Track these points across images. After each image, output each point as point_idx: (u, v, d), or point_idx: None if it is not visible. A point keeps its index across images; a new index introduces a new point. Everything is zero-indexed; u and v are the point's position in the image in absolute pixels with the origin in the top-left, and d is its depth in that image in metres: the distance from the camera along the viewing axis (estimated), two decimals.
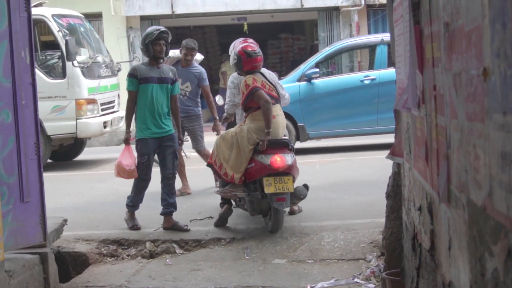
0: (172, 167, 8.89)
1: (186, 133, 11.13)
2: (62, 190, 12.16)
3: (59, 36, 15.00)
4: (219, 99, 10.75)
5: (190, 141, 11.40)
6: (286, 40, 29.32)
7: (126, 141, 8.84)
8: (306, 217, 9.03)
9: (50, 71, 15.22)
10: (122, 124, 16.84)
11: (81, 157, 17.14)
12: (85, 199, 11.18)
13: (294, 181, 8.47)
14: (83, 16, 17.27)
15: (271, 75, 9.02)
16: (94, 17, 21.97)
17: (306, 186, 8.70)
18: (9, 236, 6.45)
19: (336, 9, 22.97)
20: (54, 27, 15.15)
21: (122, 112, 16.73)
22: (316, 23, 24.18)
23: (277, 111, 8.71)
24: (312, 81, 15.25)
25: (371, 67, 16.48)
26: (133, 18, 22.91)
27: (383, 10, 21.45)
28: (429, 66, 3.68)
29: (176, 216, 8.91)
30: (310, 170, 12.96)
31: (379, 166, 11.13)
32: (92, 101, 15.19)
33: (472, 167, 2.72)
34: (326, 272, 7.21)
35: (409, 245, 5.28)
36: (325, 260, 7.60)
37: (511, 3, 2.13)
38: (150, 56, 8.77)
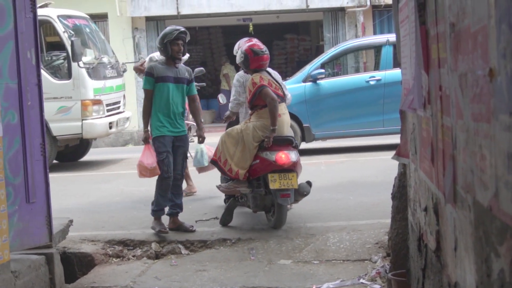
0: (181, 168, 8.89)
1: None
2: (67, 191, 12.17)
3: (64, 37, 15.02)
4: (222, 98, 10.70)
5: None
6: (292, 41, 29.30)
7: (146, 140, 8.75)
8: (311, 217, 9.03)
9: (55, 72, 15.24)
10: (128, 125, 16.89)
11: (86, 157, 17.16)
12: (90, 200, 11.19)
13: (297, 178, 8.57)
14: (88, 17, 17.29)
15: (275, 74, 9.07)
16: (99, 18, 21.99)
17: (309, 183, 8.84)
18: (15, 237, 6.46)
19: (342, 9, 22.95)
20: (59, 28, 15.17)
21: (128, 113, 16.80)
22: (321, 24, 24.17)
23: (283, 110, 8.82)
24: (318, 81, 15.24)
25: (376, 67, 16.47)
26: (139, 19, 22.92)
27: (389, 10, 21.44)
28: (435, 66, 3.68)
29: (181, 217, 8.91)
30: (315, 170, 12.96)
31: (385, 167, 11.13)
32: (97, 102, 15.21)
33: (478, 167, 2.72)
34: (331, 272, 7.20)
35: (415, 246, 5.27)
36: (331, 261, 7.60)
37: None
38: (168, 55, 8.75)
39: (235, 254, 8.04)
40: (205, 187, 11.36)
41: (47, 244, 7.06)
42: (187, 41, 8.90)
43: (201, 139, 9.16)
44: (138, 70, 11.45)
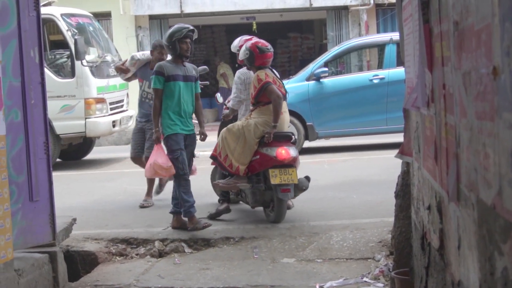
0: (189, 167, 8.89)
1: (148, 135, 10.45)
2: (71, 189, 12.18)
3: (68, 35, 15.02)
4: (219, 98, 10.67)
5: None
6: (295, 40, 29.30)
7: (158, 140, 8.74)
8: (315, 216, 9.02)
9: (59, 71, 15.25)
10: (131, 123, 16.88)
11: (90, 156, 17.16)
12: (94, 198, 11.20)
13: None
14: (92, 15, 17.29)
15: (276, 73, 9.14)
16: (103, 16, 22.00)
17: (307, 178, 9.01)
18: (18, 235, 6.46)
19: (345, 8, 22.94)
20: (63, 26, 15.17)
21: (131, 111, 16.78)
22: (325, 22, 24.17)
23: (284, 108, 8.97)
24: (321, 80, 15.25)
25: (380, 66, 16.47)
26: (142, 17, 22.93)
27: (392, 9, 21.44)
28: (439, 65, 3.67)
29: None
30: (319, 169, 12.96)
31: (388, 165, 11.12)
32: (101, 101, 15.21)
33: (482, 166, 2.72)
34: (335, 271, 7.20)
35: (418, 244, 5.27)
36: (334, 259, 7.59)
37: None
38: (176, 54, 8.73)
39: (238, 252, 8.04)
40: (207, 186, 11.35)
41: (51, 243, 7.07)
42: (194, 39, 8.90)
43: (203, 137, 9.15)
44: (119, 69, 11.06)
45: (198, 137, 9.11)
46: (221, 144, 8.91)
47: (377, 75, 15.36)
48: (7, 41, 6.38)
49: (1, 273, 5.85)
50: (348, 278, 6.90)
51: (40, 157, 6.85)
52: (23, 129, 6.61)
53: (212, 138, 10.29)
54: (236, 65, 10.13)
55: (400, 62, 13.28)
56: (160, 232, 8.72)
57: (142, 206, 10.21)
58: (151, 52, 10.40)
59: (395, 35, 14.26)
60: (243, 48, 9.07)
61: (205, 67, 11.31)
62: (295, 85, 15.38)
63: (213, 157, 9.09)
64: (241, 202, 9.62)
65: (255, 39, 9.21)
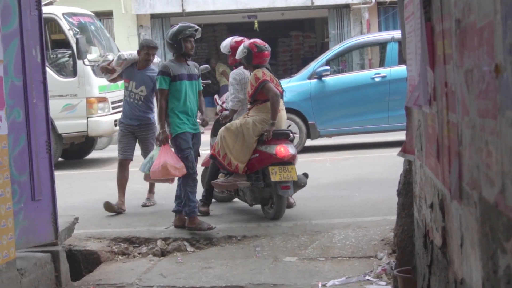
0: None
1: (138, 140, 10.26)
2: (73, 188, 12.18)
3: (69, 34, 15.02)
4: (219, 100, 10.62)
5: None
6: (297, 38, 29.29)
7: (166, 140, 8.70)
8: (317, 214, 9.02)
9: (61, 70, 15.25)
10: None
11: (92, 155, 17.17)
12: (96, 197, 11.19)
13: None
14: (93, 14, 17.29)
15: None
16: (104, 16, 22.02)
17: (305, 175, 9.15)
18: (21, 235, 6.46)
19: (347, 6, 22.94)
20: (64, 25, 15.17)
21: None
22: (326, 21, 24.18)
23: (281, 105, 9.09)
24: (323, 78, 15.25)
25: (381, 64, 16.47)
26: (144, 16, 22.95)
27: (394, 7, 21.43)
28: (441, 63, 3.67)
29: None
30: (321, 167, 12.96)
31: (390, 163, 11.12)
32: (103, 100, 15.21)
33: (484, 164, 2.72)
34: (337, 269, 7.20)
35: (420, 243, 5.27)
36: (336, 258, 7.59)
37: None
38: (181, 52, 8.71)
39: (240, 251, 8.05)
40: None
41: (53, 242, 7.07)
42: (196, 38, 8.89)
43: (205, 122, 9.12)
44: (105, 70, 10.59)
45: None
46: (219, 143, 8.96)
47: (379, 74, 15.35)
48: (9, 40, 6.38)
49: (4, 273, 5.85)
50: (350, 277, 6.90)
51: (42, 156, 6.85)
52: (25, 128, 6.61)
53: (205, 137, 10.22)
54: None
55: (402, 60, 13.30)
56: (163, 231, 8.72)
57: (144, 205, 10.19)
58: (138, 52, 10.16)
59: (397, 33, 14.26)
60: (241, 47, 9.14)
61: (207, 65, 11.29)
62: (297, 84, 15.38)
63: (212, 156, 9.11)
64: (238, 200, 9.65)
65: (252, 40, 9.27)
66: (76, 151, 16.89)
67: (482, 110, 2.69)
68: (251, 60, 8.99)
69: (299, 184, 8.94)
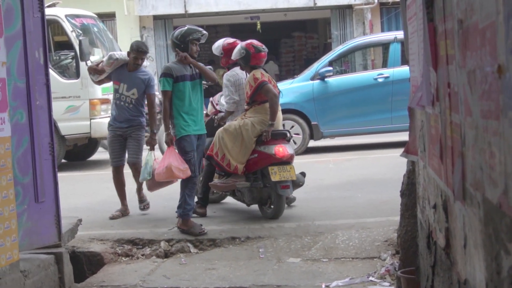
0: (199, 166, 8.86)
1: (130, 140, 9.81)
2: (76, 190, 12.19)
3: (72, 36, 15.03)
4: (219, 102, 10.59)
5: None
6: (299, 39, 29.32)
7: (171, 142, 8.68)
8: (320, 215, 9.02)
9: (64, 71, 15.26)
10: None
11: (95, 157, 17.18)
12: (99, 199, 11.20)
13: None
14: (96, 16, 17.30)
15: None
16: (107, 17, 22.04)
17: (303, 174, 9.32)
18: (24, 236, 6.47)
19: (349, 7, 22.95)
20: (67, 27, 15.19)
21: None
22: (329, 22, 24.19)
23: (279, 106, 9.18)
24: (326, 79, 15.26)
25: (384, 65, 16.48)
26: (146, 17, 22.97)
27: (396, 8, 21.44)
28: (443, 63, 3.67)
29: None
30: (324, 168, 12.96)
31: (393, 164, 11.11)
32: (106, 101, 15.19)
33: (487, 164, 2.71)
34: (341, 270, 7.20)
35: (424, 243, 5.26)
36: (340, 259, 7.59)
37: None
38: (187, 54, 8.72)
39: (244, 252, 8.05)
40: None
41: (56, 244, 7.07)
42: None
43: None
44: (93, 70, 10.09)
45: None
46: (217, 144, 8.98)
47: (381, 74, 15.36)
48: (12, 42, 6.39)
49: (7, 274, 5.86)
50: (354, 278, 6.90)
51: (45, 158, 6.86)
52: (28, 130, 6.62)
53: None
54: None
55: (404, 61, 13.32)
56: (166, 232, 8.71)
57: (143, 209, 9.98)
58: (128, 53, 9.72)
59: (400, 34, 14.25)
60: (238, 47, 9.14)
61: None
62: (300, 85, 15.40)
63: (209, 156, 9.14)
64: (227, 201, 9.70)
65: (249, 40, 9.28)
66: (79, 152, 16.91)
67: (485, 110, 2.69)
68: (249, 61, 9.04)
69: (297, 183, 9.07)
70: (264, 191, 8.98)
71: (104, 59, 10.10)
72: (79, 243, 8.28)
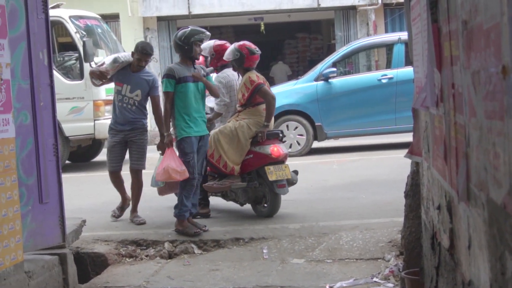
0: (201, 168, 8.84)
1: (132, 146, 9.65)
2: (80, 191, 12.20)
3: (76, 37, 15.06)
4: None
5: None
6: (303, 40, 29.33)
7: (171, 143, 8.68)
8: (324, 216, 9.02)
9: (67, 73, 15.28)
10: None
11: (99, 158, 17.18)
12: (103, 200, 11.21)
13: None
14: (100, 17, 17.32)
15: None
16: (111, 18, 22.06)
17: (296, 172, 9.41)
18: (28, 237, 6.47)
19: (353, 8, 22.94)
20: (71, 28, 15.21)
21: None
22: (333, 23, 24.18)
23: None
24: (330, 80, 15.27)
25: (388, 66, 16.50)
26: (150, 19, 22.98)
27: (400, 9, 21.42)
28: (448, 64, 3.67)
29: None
30: (327, 169, 12.96)
31: (397, 165, 11.11)
32: (110, 102, 15.11)
33: (492, 165, 2.71)
34: (345, 271, 7.20)
35: (428, 244, 5.26)
36: (344, 260, 7.59)
37: None
38: (190, 55, 8.69)
39: (248, 253, 8.05)
40: None
41: (61, 245, 7.08)
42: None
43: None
44: (95, 75, 9.63)
45: None
46: (213, 146, 9.06)
47: (385, 75, 15.36)
48: (16, 43, 6.39)
49: (12, 275, 5.86)
50: (358, 279, 6.89)
51: (50, 159, 6.87)
52: (33, 131, 6.62)
53: None
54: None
55: (408, 62, 13.31)
56: (170, 233, 8.71)
57: (138, 223, 9.35)
58: (132, 53, 9.41)
59: (404, 35, 14.25)
60: (232, 48, 9.18)
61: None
62: (304, 86, 15.41)
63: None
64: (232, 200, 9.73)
65: (241, 42, 9.32)
66: (83, 153, 16.93)
67: (489, 111, 2.69)
68: (243, 63, 9.08)
69: (291, 181, 9.19)
70: (259, 190, 9.13)
71: (106, 60, 9.98)
72: (83, 244, 8.28)
